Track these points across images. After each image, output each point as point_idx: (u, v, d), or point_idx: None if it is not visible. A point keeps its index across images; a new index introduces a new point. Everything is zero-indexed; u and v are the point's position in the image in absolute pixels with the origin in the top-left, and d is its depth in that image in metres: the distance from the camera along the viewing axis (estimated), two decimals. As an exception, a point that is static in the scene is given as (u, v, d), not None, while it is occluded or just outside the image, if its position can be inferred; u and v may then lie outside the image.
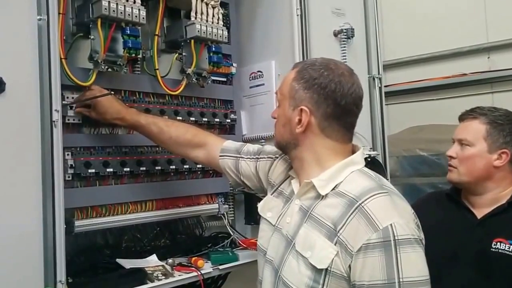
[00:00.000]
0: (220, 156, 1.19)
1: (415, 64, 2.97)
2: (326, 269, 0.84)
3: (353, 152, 0.98)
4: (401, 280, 0.79)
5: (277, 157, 1.12)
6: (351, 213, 0.84)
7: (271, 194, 1.08)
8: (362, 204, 0.84)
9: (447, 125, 2.60)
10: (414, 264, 0.81)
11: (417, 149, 2.55)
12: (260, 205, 1.09)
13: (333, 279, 0.85)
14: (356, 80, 0.95)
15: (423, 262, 0.82)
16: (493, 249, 1.21)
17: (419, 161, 2.52)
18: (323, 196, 0.91)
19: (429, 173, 2.46)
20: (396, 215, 0.83)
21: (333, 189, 0.91)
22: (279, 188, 1.07)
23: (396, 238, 0.80)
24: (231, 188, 1.57)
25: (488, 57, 2.71)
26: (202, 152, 1.22)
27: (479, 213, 1.29)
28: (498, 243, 1.21)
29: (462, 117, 1.36)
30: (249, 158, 1.16)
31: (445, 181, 2.47)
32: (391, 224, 0.81)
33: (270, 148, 1.16)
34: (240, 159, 1.17)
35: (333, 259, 0.84)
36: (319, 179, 0.92)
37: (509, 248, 1.19)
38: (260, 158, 1.15)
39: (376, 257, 0.80)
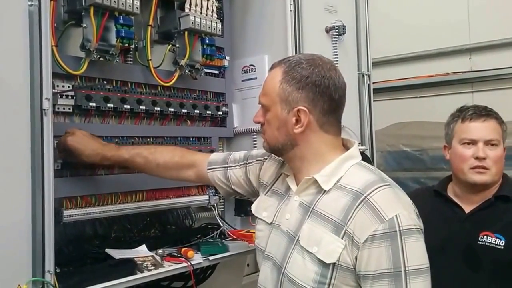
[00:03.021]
0: (208, 169, 1.19)
1: (400, 62, 3.03)
2: (334, 263, 0.86)
3: (343, 145, 1.00)
4: (406, 268, 0.82)
5: (266, 159, 1.13)
6: (357, 206, 0.86)
7: (265, 194, 1.08)
8: (368, 197, 0.87)
9: (429, 122, 2.69)
10: (417, 252, 0.85)
11: (401, 145, 2.63)
12: (254, 206, 1.09)
13: (340, 272, 0.87)
14: (340, 72, 0.98)
15: (424, 251, 0.86)
16: (480, 242, 1.26)
17: (403, 156, 2.60)
18: (325, 191, 0.92)
19: (412, 167, 2.54)
20: (400, 206, 0.87)
21: (335, 183, 0.92)
22: (272, 188, 1.08)
23: (401, 228, 0.84)
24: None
25: (470, 58, 2.79)
26: (192, 172, 1.21)
27: (467, 208, 1.33)
28: (485, 236, 1.26)
29: (479, 117, 1.33)
30: (237, 165, 1.17)
31: (426, 175, 2.57)
32: (396, 215, 0.84)
33: (257, 151, 1.19)
34: (229, 168, 1.17)
35: (341, 253, 0.86)
36: (321, 175, 0.93)
37: (495, 241, 1.24)
38: (249, 163, 1.16)
39: (383, 247, 0.83)
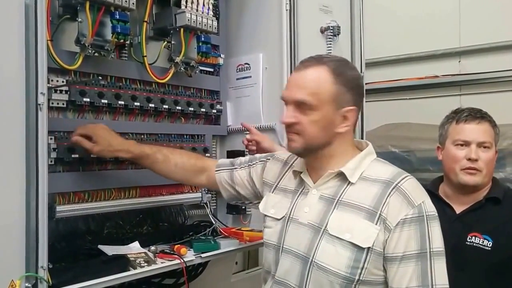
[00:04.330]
0: (216, 171, 1.23)
1: (390, 64, 3.06)
2: (369, 247, 0.91)
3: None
4: (431, 249, 0.91)
5: (268, 159, 1.18)
6: (390, 193, 0.93)
7: (272, 192, 1.12)
8: (399, 184, 0.94)
9: (418, 124, 2.72)
10: (439, 236, 0.93)
11: (390, 146, 2.66)
12: (261, 205, 1.12)
13: (373, 256, 0.92)
14: None
15: (441, 236, 0.94)
16: (468, 243, 1.29)
17: (391, 157, 2.62)
18: (349, 182, 0.97)
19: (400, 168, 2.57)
20: (424, 195, 0.96)
21: (359, 176, 0.98)
22: (279, 186, 1.11)
23: (427, 214, 0.93)
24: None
25: (459, 61, 2.84)
26: (203, 176, 1.25)
27: (458, 209, 1.36)
28: (473, 237, 1.29)
29: (473, 119, 1.36)
30: (242, 167, 1.22)
31: (414, 176, 2.60)
32: (423, 202, 0.93)
33: (259, 154, 1.25)
34: (234, 170, 1.22)
35: (376, 237, 0.91)
36: (347, 168, 0.98)
37: (482, 242, 1.28)
38: (252, 164, 1.20)
39: (412, 230, 0.91)
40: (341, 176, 0.99)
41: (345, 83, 0.97)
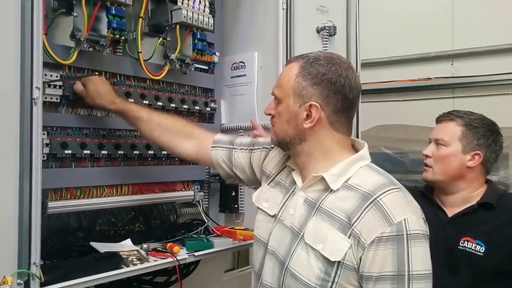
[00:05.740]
0: (213, 147, 1.17)
1: (383, 65, 3.08)
2: (339, 261, 0.86)
3: (352, 145, 1.00)
4: (410, 272, 0.83)
5: (272, 147, 1.11)
6: (366, 207, 0.86)
7: (267, 184, 1.07)
8: (378, 199, 0.87)
9: (411, 126, 2.75)
10: (422, 258, 0.85)
11: (383, 147, 2.68)
12: (255, 196, 1.08)
13: (344, 271, 0.87)
14: (356, 72, 0.98)
15: (428, 257, 0.87)
16: (461, 247, 1.29)
17: (384, 158, 2.65)
18: (332, 189, 0.92)
19: (392, 170, 2.58)
20: (409, 211, 0.87)
21: (343, 183, 0.92)
22: (276, 179, 1.07)
23: (408, 232, 0.84)
24: (207, 176, 1.59)
25: (452, 64, 2.87)
26: (192, 143, 1.19)
27: (450, 212, 1.36)
28: (466, 242, 1.28)
29: (440, 119, 1.42)
30: (243, 149, 1.15)
31: (407, 178, 2.63)
32: (404, 219, 0.85)
33: (263, 139, 1.17)
34: (234, 150, 1.15)
35: (346, 251, 0.86)
36: (330, 174, 0.93)
37: (475, 247, 1.27)
38: (254, 149, 1.14)
39: (388, 250, 0.83)
40: (325, 180, 0.93)
41: (310, 77, 0.93)
